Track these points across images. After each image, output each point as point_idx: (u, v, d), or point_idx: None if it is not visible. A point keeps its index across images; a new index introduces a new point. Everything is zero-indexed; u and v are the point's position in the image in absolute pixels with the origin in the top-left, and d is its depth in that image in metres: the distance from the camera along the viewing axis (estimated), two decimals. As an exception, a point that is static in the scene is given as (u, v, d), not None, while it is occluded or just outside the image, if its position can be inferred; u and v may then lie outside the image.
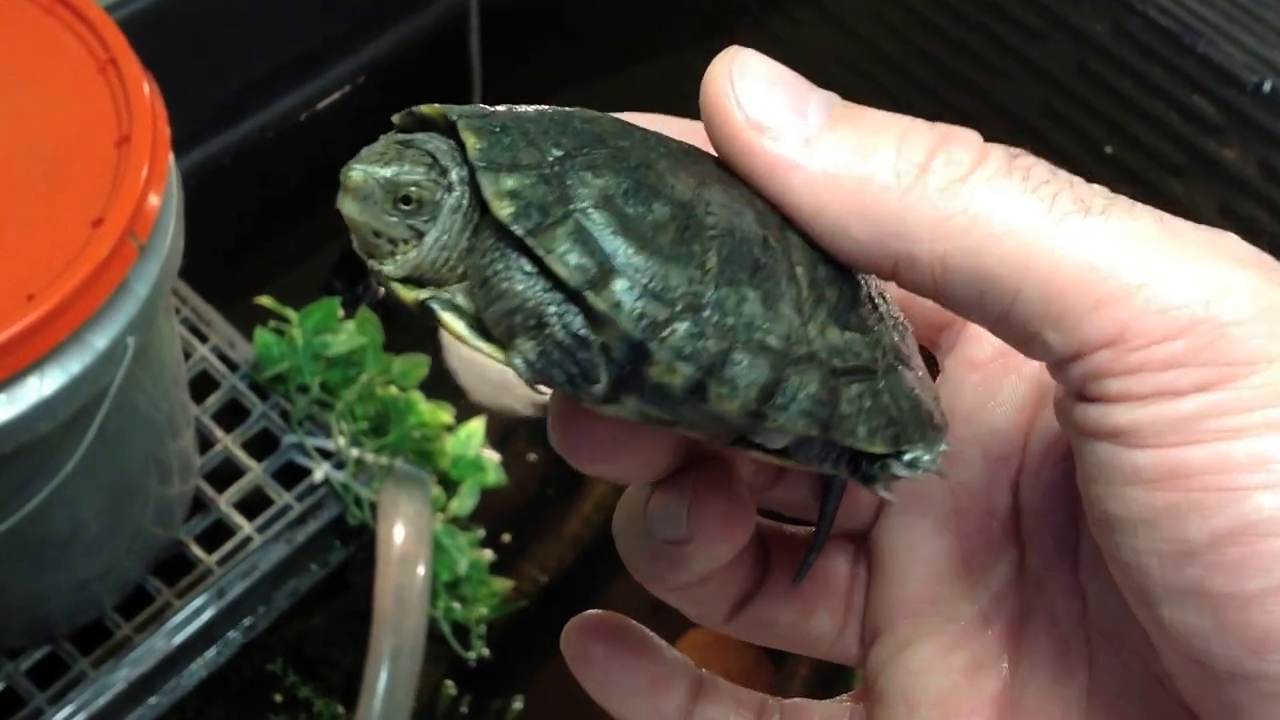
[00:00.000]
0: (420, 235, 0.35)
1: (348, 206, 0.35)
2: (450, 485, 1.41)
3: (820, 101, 0.33)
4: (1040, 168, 0.31)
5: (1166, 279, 0.29)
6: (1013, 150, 0.32)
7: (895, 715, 0.38)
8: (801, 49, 1.85)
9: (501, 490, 1.43)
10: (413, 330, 1.59)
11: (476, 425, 1.42)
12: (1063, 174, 0.31)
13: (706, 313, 0.32)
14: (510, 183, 0.33)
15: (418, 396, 1.38)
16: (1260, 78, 1.71)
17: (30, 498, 1.00)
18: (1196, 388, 0.29)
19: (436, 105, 0.36)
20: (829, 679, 1.39)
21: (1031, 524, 0.37)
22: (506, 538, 1.46)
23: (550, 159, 0.33)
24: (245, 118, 1.68)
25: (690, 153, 0.35)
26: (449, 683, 1.38)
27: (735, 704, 0.42)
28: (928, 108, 1.82)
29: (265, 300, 1.38)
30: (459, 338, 0.34)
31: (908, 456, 0.35)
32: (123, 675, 1.23)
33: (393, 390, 1.37)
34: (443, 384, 1.55)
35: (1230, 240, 0.30)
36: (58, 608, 1.22)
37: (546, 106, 0.35)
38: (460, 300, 0.34)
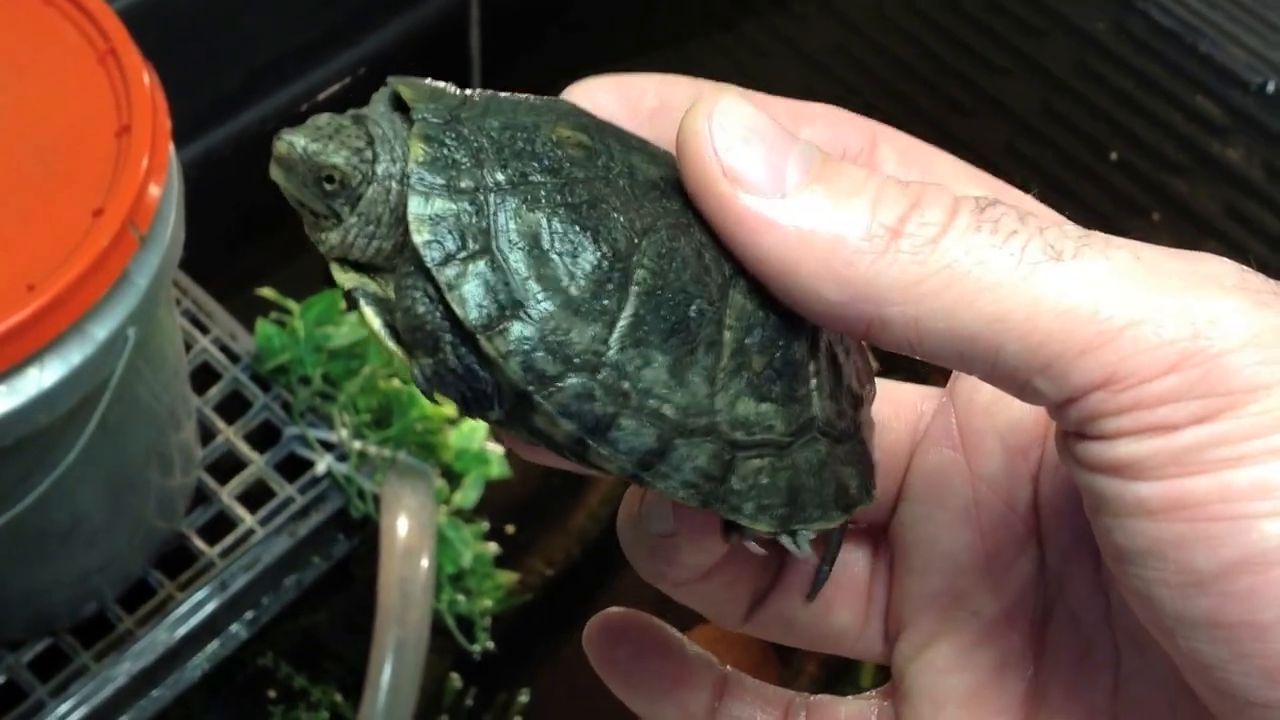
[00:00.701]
0: (339, 219, 0.34)
1: (274, 172, 0.35)
2: (454, 478, 1.40)
3: (799, 157, 0.32)
4: (1009, 217, 0.31)
5: (1150, 316, 0.29)
6: (983, 200, 0.31)
7: (921, 714, 0.38)
8: (804, 44, 1.84)
9: (506, 483, 1.43)
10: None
11: (480, 418, 1.42)
12: (1033, 220, 0.31)
13: (602, 374, 0.32)
14: (435, 207, 0.32)
15: (420, 389, 1.38)
16: (1264, 78, 1.71)
17: (31, 490, 0.99)
18: (1194, 420, 0.29)
19: (423, 86, 0.34)
20: (837, 676, 1.39)
21: (1050, 520, 0.37)
22: (511, 530, 1.46)
23: (490, 183, 0.32)
24: (246, 109, 1.67)
25: (658, 185, 0.33)
26: (454, 675, 1.38)
27: (761, 701, 0.42)
28: (930, 104, 1.82)
29: (266, 292, 1.38)
30: (372, 333, 0.34)
31: (798, 536, 0.35)
32: (125, 668, 1.22)
33: (395, 383, 1.37)
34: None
35: (1211, 264, 0.30)
36: (59, 600, 1.22)
37: (531, 102, 0.34)
38: (390, 294, 0.34)
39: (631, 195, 0.33)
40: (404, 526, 1.30)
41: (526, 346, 0.31)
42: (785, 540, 0.35)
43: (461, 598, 1.37)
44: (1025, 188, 0.37)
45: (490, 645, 1.38)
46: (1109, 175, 1.70)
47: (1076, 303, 0.29)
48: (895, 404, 0.40)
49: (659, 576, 0.40)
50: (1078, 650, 0.36)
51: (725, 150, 0.32)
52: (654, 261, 0.32)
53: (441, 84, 0.35)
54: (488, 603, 1.38)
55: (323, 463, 1.34)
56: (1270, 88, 1.70)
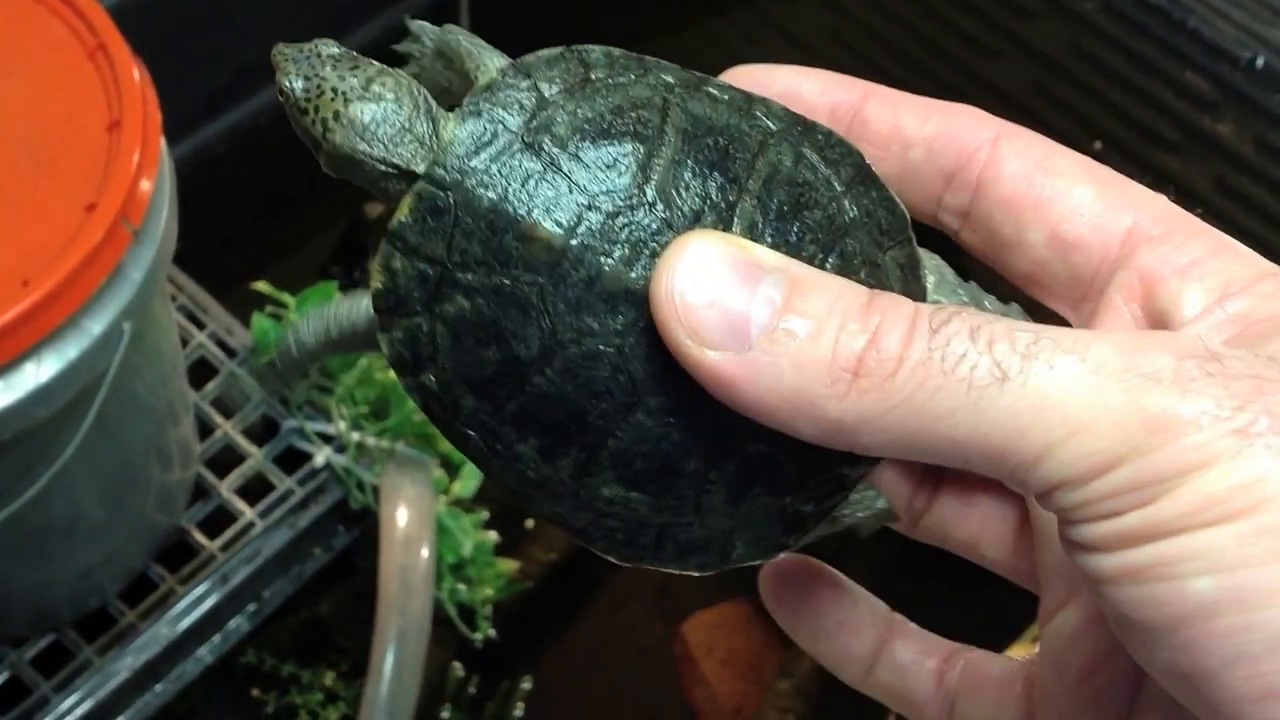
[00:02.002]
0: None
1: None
2: (452, 468, 1.41)
3: (763, 302, 0.34)
4: (960, 338, 0.33)
5: (1089, 426, 0.32)
6: (936, 318, 0.34)
7: (1049, 680, 0.41)
8: (796, 29, 1.84)
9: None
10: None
11: (477, 407, 1.42)
12: (984, 334, 0.33)
13: (483, 433, 0.36)
14: (397, 264, 0.36)
15: (418, 379, 1.38)
16: (1253, 53, 1.71)
17: (30, 485, 0.99)
18: (1135, 505, 0.32)
19: (492, 68, 0.39)
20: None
21: None
22: (512, 519, 1.46)
23: (450, 261, 0.36)
24: (238, 104, 1.67)
25: (627, 296, 0.36)
26: (456, 664, 1.39)
27: (923, 648, 0.45)
28: (921, 86, 1.81)
29: (261, 286, 1.38)
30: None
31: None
32: (128, 663, 1.23)
33: (392, 374, 1.37)
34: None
35: (1154, 357, 0.33)
36: (61, 596, 1.22)
37: (582, 122, 0.36)
38: None
39: (577, 305, 0.35)
40: (404, 517, 1.30)
41: (424, 392, 0.37)
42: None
43: (462, 587, 1.37)
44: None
45: (492, 633, 1.39)
46: (1102, 153, 1.70)
47: (1024, 422, 0.33)
48: None
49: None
50: None
51: (688, 309, 0.34)
52: (554, 375, 0.35)
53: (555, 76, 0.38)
54: (489, 591, 1.39)
55: (321, 455, 1.34)
56: (1260, 62, 1.70)
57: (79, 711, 1.21)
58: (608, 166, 0.36)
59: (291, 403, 1.35)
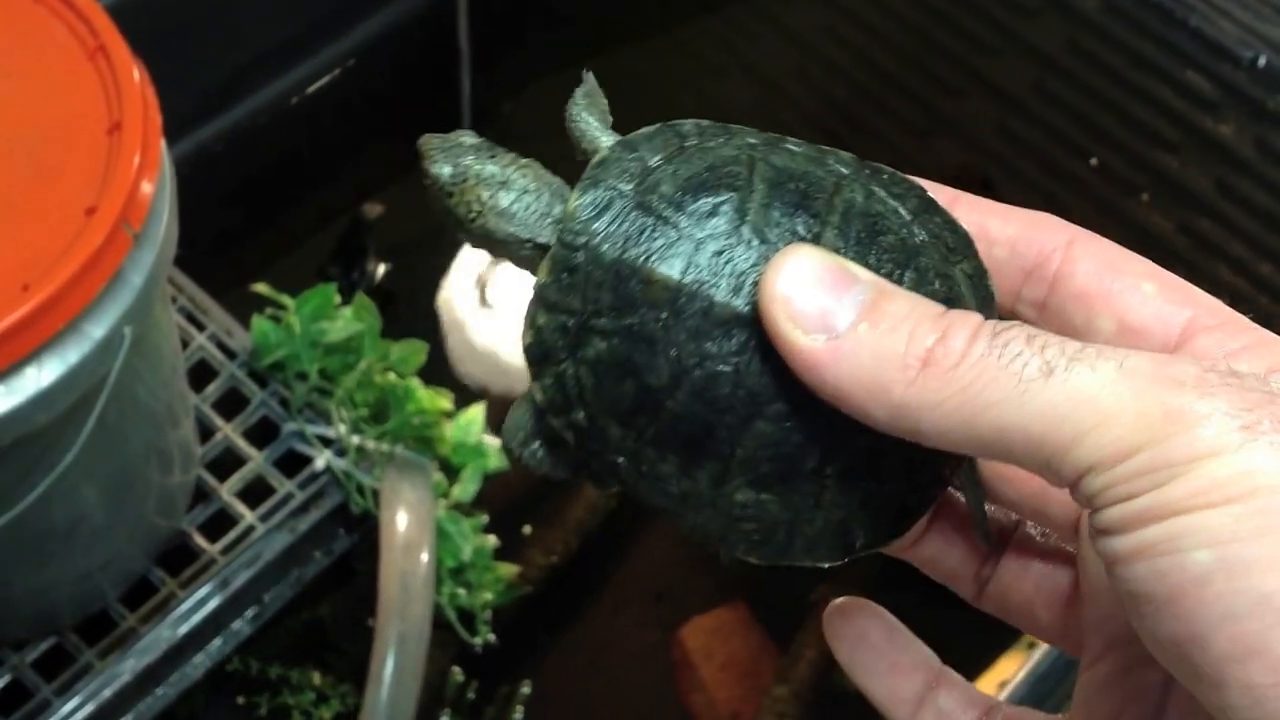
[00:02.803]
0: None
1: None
2: (451, 471, 1.41)
3: (852, 301, 0.40)
4: (1017, 340, 0.39)
5: (1117, 416, 0.37)
6: (999, 326, 0.39)
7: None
8: (793, 26, 1.84)
9: (503, 476, 1.43)
10: (410, 317, 1.59)
11: (476, 411, 1.42)
12: (1040, 338, 0.39)
13: (626, 458, 0.42)
14: (541, 320, 0.43)
15: (416, 383, 1.38)
16: (1255, 53, 1.71)
17: (31, 490, 0.99)
18: (1151, 487, 0.36)
19: (580, 197, 0.44)
20: (835, 664, 1.38)
21: None
22: (510, 524, 1.46)
23: (586, 310, 0.42)
24: (236, 104, 1.67)
25: (737, 320, 0.41)
26: (456, 669, 1.39)
27: (968, 700, 0.50)
28: (921, 85, 1.83)
29: (261, 287, 1.38)
30: None
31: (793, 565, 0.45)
32: (129, 666, 1.23)
33: (391, 377, 1.37)
34: (442, 370, 1.55)
35: (1176, 366, 0.38)
36: (61, 599, 1.22)
37: (687, 177, 0.43)
38: None
39: (696, 333, 0.41)
40: (404, 521, 1.30)
41: (577, 430, 0.42)
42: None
43: (462, 591, 1.37)
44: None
45: (491, 638, 1.39)
46: (1103, 153, 1.70)
47: (1060, 413, 0.37)
48: None
49: (902, 550, 0.49)
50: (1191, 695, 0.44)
51: (788, 301, 0.40)
52: (683, 397, 0.41)
53: (656, 147, 0.44)
54: (488, 596, 1.39)
55: (321, 458, 1.34)
56: (1261, 62, 1.70)
57: (80, 715, 1.21)
58: (708, 214, 0.42)
59: (291, 405, 1.35)
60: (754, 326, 0.41)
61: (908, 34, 1.81)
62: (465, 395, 1.52)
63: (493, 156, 0.45)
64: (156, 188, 0.96)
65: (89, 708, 1.21)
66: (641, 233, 0.42)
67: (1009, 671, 1.24)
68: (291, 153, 1.72)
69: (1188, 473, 0.36)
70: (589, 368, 0.42)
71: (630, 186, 0.43)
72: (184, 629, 1.25)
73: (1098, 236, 0.47)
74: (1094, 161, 1.66)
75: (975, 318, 0.40)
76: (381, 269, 1.59)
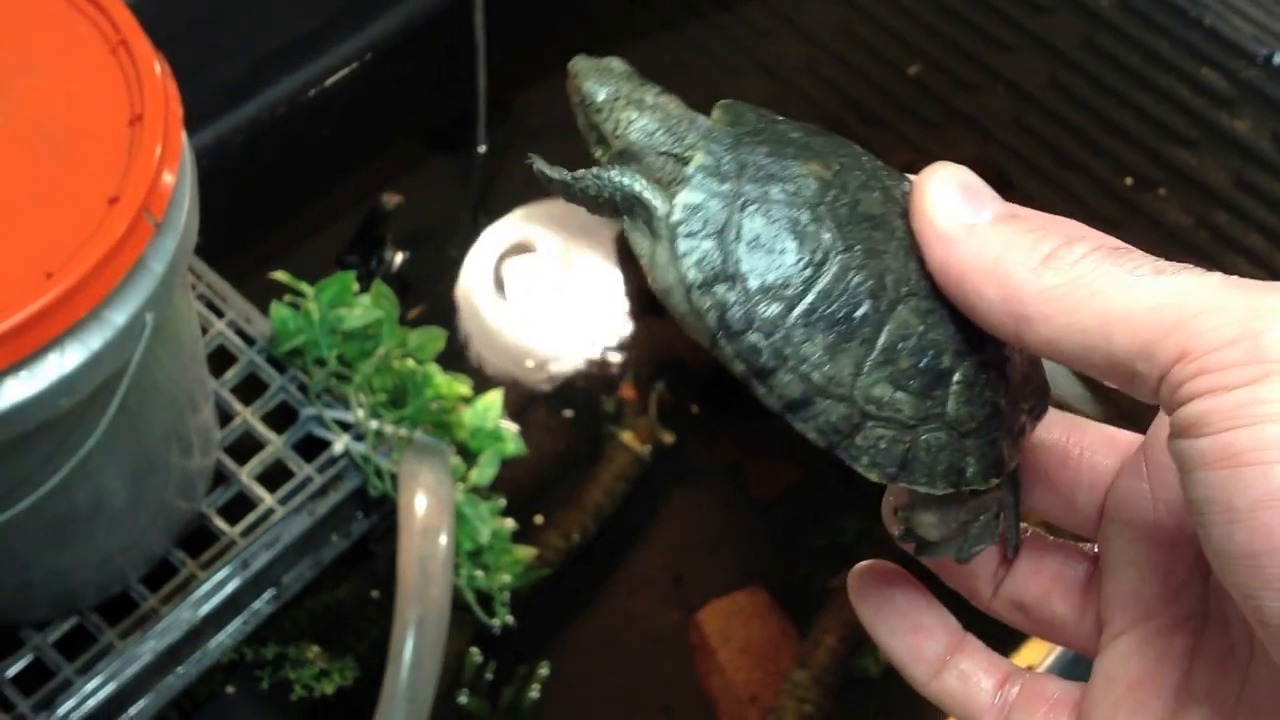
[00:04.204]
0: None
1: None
2: (469, 456, 1.42)
3: (994, 206, 0.42)
4: (1135, 253, 0.40)
5: (1218, 306, 0.37)
6: (1116, 244, 0.41)
7: (1098, 689, 0.46)
8: (806, 23, 1.85)
9: (521, 460, 1.44)
10: (428, 303, 1.60)
11: (494, 396, 1.43)
12: (1152, 258, 0.40)
13: (773, 338, 0.42)
14: (697, 199, 0.43)
15: (435, 369, 1.39)
16: (1270, 50, 1.71)
17: (53, 473, 1.01)
18: (1244, 382, 0.36)
19: (737, 108, 0.46)
20: (854, 650, 1.40)
21: None
22: (528, 507, 1.47)
23: (740, 192, 0.43)
24: (255, 96, 1.69)
25: (873, 219, 0.44)
26: (474, 650, 1.40)
27: (987, 663, 0.50)
28: (937, 81, 1.83)
29: (280, 275, 1.39)
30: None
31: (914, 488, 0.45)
32: (150, 646, 1.24)
33: (410, 363, 1.38)
34: (461, 356, 1.57)
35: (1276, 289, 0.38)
36: (84, 581, 1.24)
37: (807, 140, 0.45)
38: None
39: (845, 221, 0.43)
40: (422, 504, 1.31)
41: (722, 306, 0.43)
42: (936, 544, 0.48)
43: (480, 573, 1.38)
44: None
45: (510, 620, 1.40)
46: (1118, 149, 1.70)
47: (1166, 300, 0.38)
48: (1107, 443, 0.49)
49: (925, 560, 0.50)
50: (1222, 652, 0.44)
51: (938, 191, 0.42)
52: (839, 272, 0.42)
53: (755, 112, 0.46)
54: (506, 578, 1.40)
55: (340, 442, 1.35)
56: (1276, 59, 1.71)
57: (101, 694, 1.22)
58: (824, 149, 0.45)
59: (310, 390, 1.36)
60: (897, 226, 0.44)
61: (922, 31, 1.81)
62: (483, 381, 1.54)
63: (641, 84, 0.47)
64: (177, 178, 0.97)
65: (110, 687, 1.23)
66: (785, 144, 0.44)
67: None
68: (310, 144, 1.73)
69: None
70: (742, 241, 0.43)
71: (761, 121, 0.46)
72: (204, 610, 1.27)
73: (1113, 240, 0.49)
74: (1129, 181, 1.67)
75: (1100, 237, 0.41)
76: (399, 258, 1.60)
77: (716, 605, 1.45)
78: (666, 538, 1.48)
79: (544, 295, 1.63)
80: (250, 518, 1.33)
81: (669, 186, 0.45)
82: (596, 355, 1.59)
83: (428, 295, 1.62)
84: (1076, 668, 1.13)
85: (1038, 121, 1.72)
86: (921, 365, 0.43)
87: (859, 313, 0.43)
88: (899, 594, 0.51)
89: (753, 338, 0.42)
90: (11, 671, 1.25)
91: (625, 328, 1.60)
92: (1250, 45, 1.71)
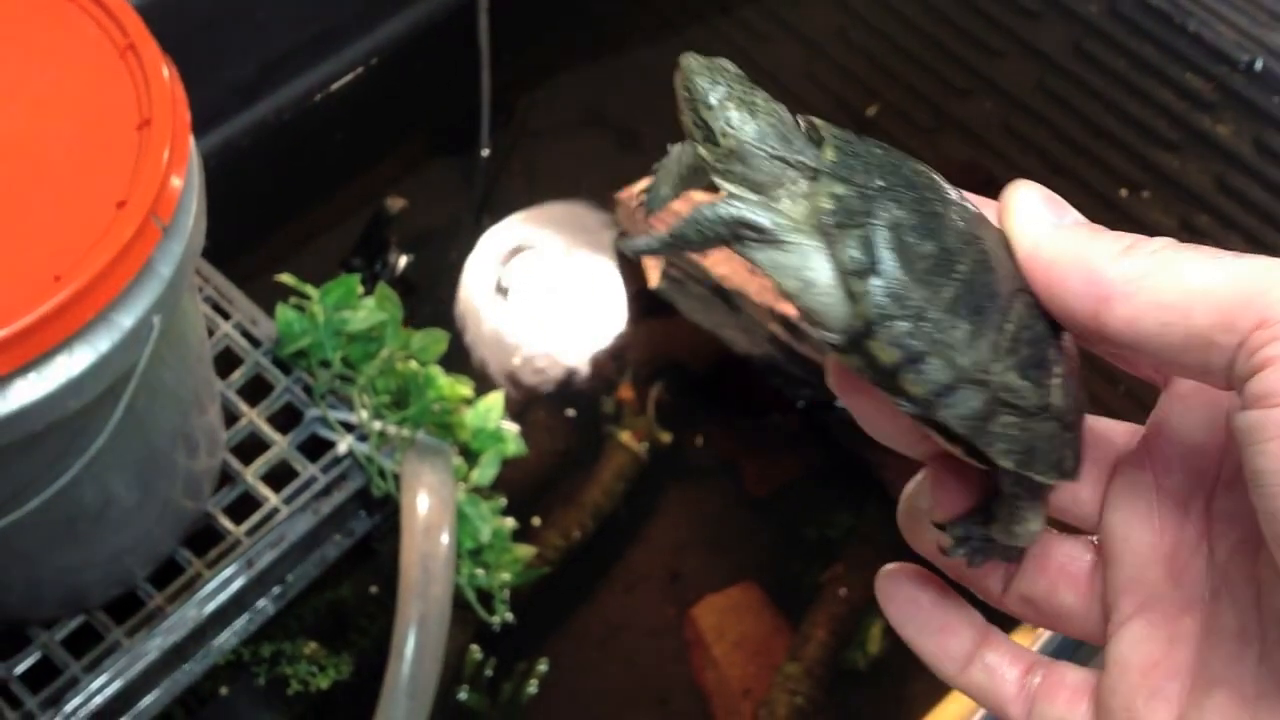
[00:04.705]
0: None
1: (675, 76, 0.48)
2: (471, 456, 1.43)
3: (1075, 214, 0.45)
4: (1208, 246, 0.42)
5: None
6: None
7: (1113, 677, 0.48)
8: (803, 28, 1.86)
9: (522, 460, 1.45)
10: (431, 307, 1.61)
11: (496, 397, 1.44)
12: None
13: (925, 324, 0.44)
14: (839, 190, 0.44)
15: (437, 371, 1.40)
16: (1252, 56, 1.73)
17: (61, 474, 1.02)
18: None
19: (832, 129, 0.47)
20: (844, 643, 1.41)
21: (1223, 526, 0.47)
22: (528, 506, 1.48)
23: (872, 186, 0.44)
24: (261, 99, 1.70)
25: (978, 221, 0.46)
26: (474, 647, 1.40)
27: (1012, 656, 0.51)
28: (927, 86, 1.84)
29: (285, 277, 1.40)
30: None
31: (1035, 478, 0.47)
32: (156, 644, 1.25)
33: (413, 365, 1.39)
34: (463, 357, 1.58)
35: None
36: (91, 579, 1.25)
37: (893, 153, 0.47)
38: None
39: (959, 221, 0.45)
40: (424, 504, 1.32)
41: (879, 293, 0.43)
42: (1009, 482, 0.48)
43: (481, 572, 1.39)
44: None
45: (509, 617, 1.41)
46: (1103, 152, 1.72)
47: (1245, 274, 0.40)
48: (1106, 436, 0.51)
49: (934, 555, 0.51)
50: (1233, 631, 0.45)
51: (1029, 196, 0.45)
52: (970, 264, 0.44)
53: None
54: (506, 576, 1.41)
55: (344, 443, 1.36)
56: (1258, 65, 1.72)
57: (108, 691, 1.23)
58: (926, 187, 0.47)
59: (314, 392, 1.37)
60: (984, 233, 0.46)
61: (915, 36, 1.82)
62: (484, 382, 1.55)
63: (751, 87, 0.47)
64: (185, 181, 0.98)
65: (116, 684, 1.24)
66: (886, 152, 0.46)
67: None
68: (316, 147, 1.74)
69: None
70: (889, 230, 0.44)
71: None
72: (210, 608, 1.28)
73: None
74: (1123, 192, 1.68)
75: (1171, 240, 0.43)
76: (403, 261, 1.60)
77: (711, 601, 1.46)
78: (664, 535, 1.49)
79: (545, 297, 1.64)
80: (255, 517, 1.34)
81: (776, 189, 0.46)
82: (596, 357, 1.60)
83: (430, 297, 1.63)
84: (1064, 650, 1.14)
85: (1027, 127, 1.73)
86: (1037, 356, 0.45)
87: (989, 303, 0.44)
88: (924, 594, 0.52)
89: (906, 324, 0.43)
90: (19, 669, 1.26)
91: (624, 329, 1.61)
92: (1233, 51, 1.73)
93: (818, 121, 0.47)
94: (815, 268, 0.45)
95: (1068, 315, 0.44)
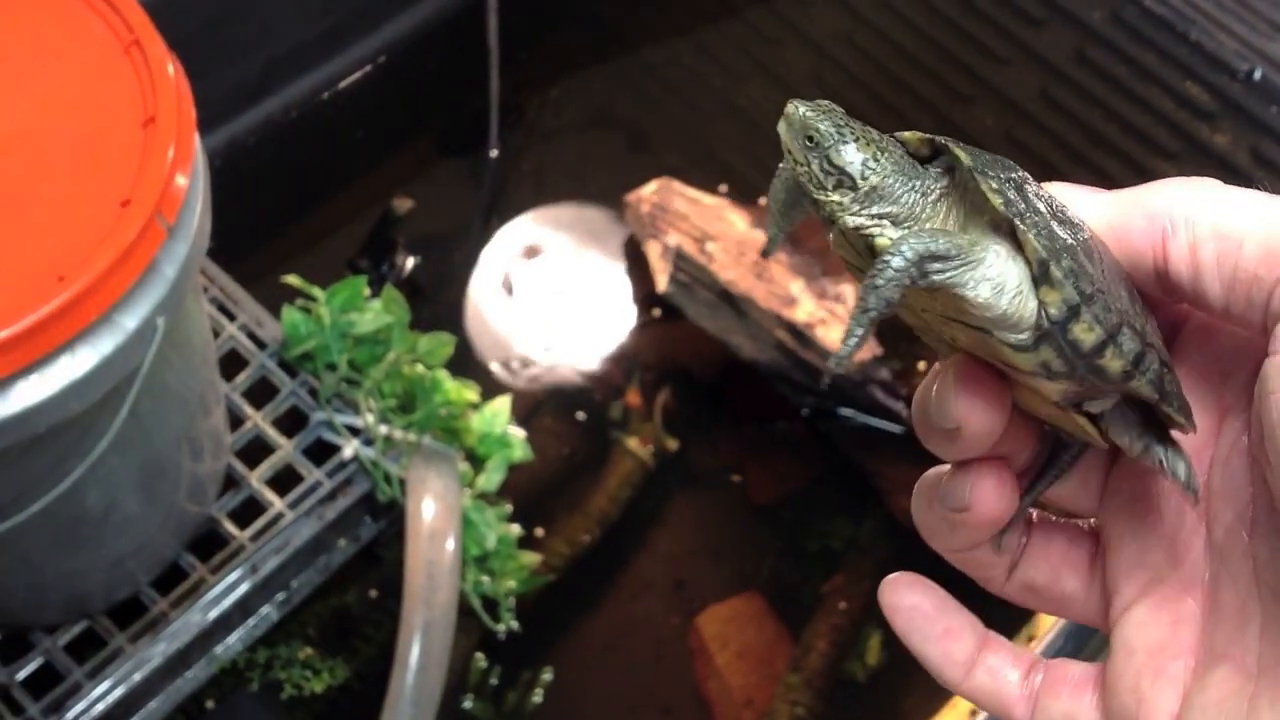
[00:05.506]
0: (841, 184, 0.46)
1: (781, 125, 0.46)
2: (477, 462, 1.42)
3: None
4: None
5: None
6: None
7: (1119, 662, 0.48)
8: (812, 33, 1.85)
9: (528, 466, 1.44)
10: (438, 310, 1.60)
11: (502, 402, 1.43)
12: None
13: (1109, 297, 0.44)
14: (994, 184, 0.44)
15: (444, 375, 1.40)
16: (1251, 66, 1.74)
17: (65, 477, 1.01)
18: None
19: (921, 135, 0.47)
20: (844, 653, 1.41)
21: (1219, 505, 0.47)
22: (534, 512, 1.48)
23: (1012, 177, 0.45)
24: (268, 98, 1.69)
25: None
26: (479, 655, 1.40)
27: (1013, 658, 0.52)
28: (933, 93, 1.84)
29: (292, 279, 1.39)
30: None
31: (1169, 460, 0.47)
32: (160, 650, 1.25)
33: (419, 368, 1.38)
34: (470, 361, 1.57)
35: None
36: (94, 584, 1.24)
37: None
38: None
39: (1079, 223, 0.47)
40: (430, 510, 1.32)
41: (1071, 275, 0.44)
42: (1162, 462, 0.48)
43: (486, 579, 1.39)
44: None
45: (514, 625, 1.40)
46: (1103, 160, 1.72)
47: None
48: None
49: (944, 543, 0.52)
50: (1234, 607, 0.46)
51: (1070, 189, 0.47)
52: (1100, 257, 0.45)
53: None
54: (511, 583, 1.40)
55: (349, 447, 1.35)
56: (1257, 75, 1.73)
57: (111, 698, 1.23)
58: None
59: (320, 395, 1.36)
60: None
61: (922, 43, 1.82)
62: (491, 386, 1.54)
63: (861, 124, 0.47)
64: (190, 181, 0.98)
65: (119, 690, 1.23)
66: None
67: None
68: (322, 147, 1.74)
69: None
70: (1049, 216, 0.45)
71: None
72: (214, 613, 1.27)
73: None
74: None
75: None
76: (410, 263, 1.60)
77: (714, 610, 1.46)
78: (669, 543, 1.49)
79: (553, 300, 1.63)
80: (260, 522, 1.34)
81: (919, 213, 0.46)
82: (603, 362, 1.59)
83: (437, 299, 1.62)
84: (1068, 645, 1.13)
85: (1028, 135, 1.73)
86: (1150, 323, 0.46)
87: (1117, 271, 0.46)
88: (926, 601, 0.53)
89: (1098, 303, 0.44)
90: (22, 674, 1.25)
91: (632, 335, 1.61)
92: (1234, 61, 1.73)
93: (902, 135, 0.47)
94: (1005, 271, 0.45)
95: (1135, 256, 0.46)
